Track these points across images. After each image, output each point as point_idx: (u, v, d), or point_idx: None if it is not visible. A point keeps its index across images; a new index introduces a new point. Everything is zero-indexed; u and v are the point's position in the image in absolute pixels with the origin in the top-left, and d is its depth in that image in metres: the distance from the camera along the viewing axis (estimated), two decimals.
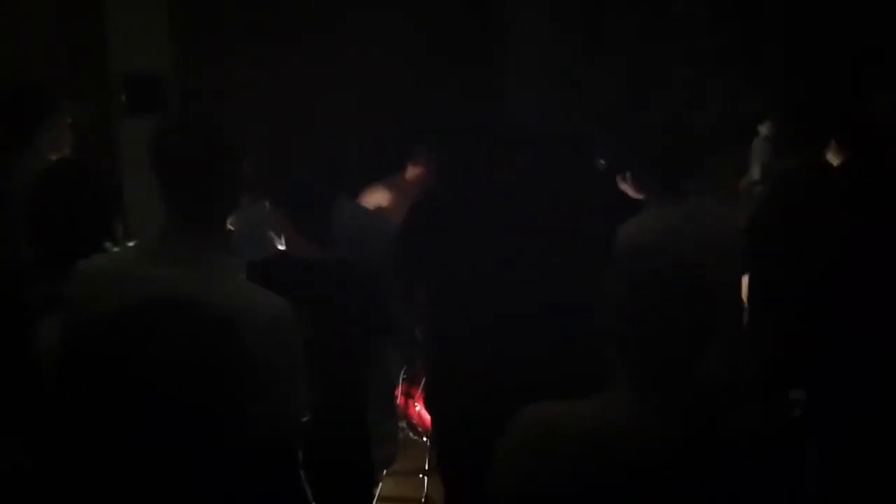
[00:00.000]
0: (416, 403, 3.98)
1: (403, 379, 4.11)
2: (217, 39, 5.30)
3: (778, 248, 2.91)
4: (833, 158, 3.10)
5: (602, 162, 3.73)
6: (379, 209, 5.06)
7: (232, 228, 1.98)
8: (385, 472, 3.38)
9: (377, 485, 3.27)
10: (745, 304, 3.01)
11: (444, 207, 2.71)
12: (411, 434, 4.17)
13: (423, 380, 3.23)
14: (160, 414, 1.68)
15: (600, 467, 1.45)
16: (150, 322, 1.69)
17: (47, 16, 4.69)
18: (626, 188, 3.41)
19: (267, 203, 2.80)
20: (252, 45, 5.40)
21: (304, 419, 1.87)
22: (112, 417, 1.71)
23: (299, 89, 5.48)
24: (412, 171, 5.00)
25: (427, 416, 3.57)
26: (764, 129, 3.98)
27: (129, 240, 3.45)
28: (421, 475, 4.04)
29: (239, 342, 1.69)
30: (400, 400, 4.17)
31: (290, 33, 5.56)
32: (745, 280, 3.04)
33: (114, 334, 1.71)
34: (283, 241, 2.72)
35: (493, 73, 5.64)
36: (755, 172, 3.72)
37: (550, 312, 2.49)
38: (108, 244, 2.30)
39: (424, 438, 4.01)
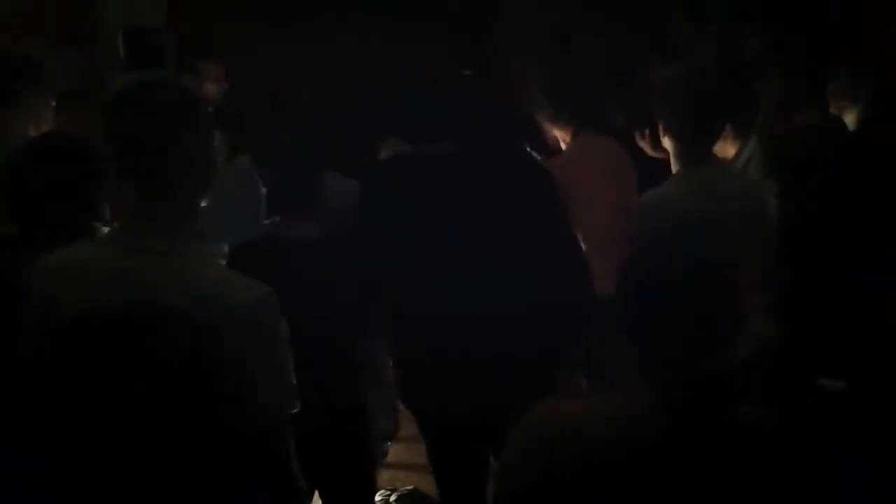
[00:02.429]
0: None
1: None
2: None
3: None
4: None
5: (619, 119, 3.59)
6: None
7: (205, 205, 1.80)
8: (389, 443, 3.29)
9: (380, 456, 3.16)
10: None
11: (398, 172, 2.61)
12: None
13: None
14: (135, 414, 1.61)
15: (613, 468, 1.39)
16: (117, 329, 1.60)
17: None
18: (644, 145, 3.25)
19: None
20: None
21: (294, 410, 1.74)
22: (86, 418, 1.64)
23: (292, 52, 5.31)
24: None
25: None
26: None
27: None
28: None
29: (214, 343, 1.58)
30: None
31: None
32: None
33: (80, 340, 1.62)
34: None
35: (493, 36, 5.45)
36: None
37: (507, 290, 2.42)
38: (96, 225, 2.16)
39: None
